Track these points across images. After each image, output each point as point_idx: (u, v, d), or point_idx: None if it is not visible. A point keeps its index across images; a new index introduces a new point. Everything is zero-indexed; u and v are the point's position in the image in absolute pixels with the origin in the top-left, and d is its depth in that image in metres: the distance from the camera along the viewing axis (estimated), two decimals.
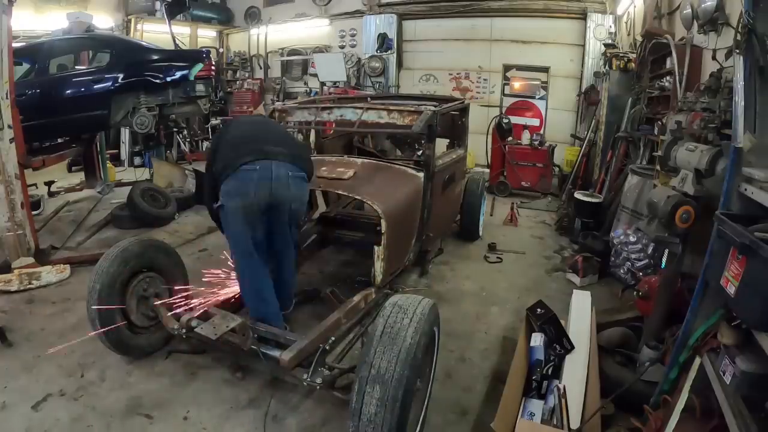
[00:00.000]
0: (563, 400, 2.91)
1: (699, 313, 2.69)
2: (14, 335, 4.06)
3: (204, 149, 12.01)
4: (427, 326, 2.66)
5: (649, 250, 4.87)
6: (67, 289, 5.01)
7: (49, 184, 8.49)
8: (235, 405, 3.34)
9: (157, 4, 12.42)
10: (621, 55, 7.76)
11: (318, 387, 2.95)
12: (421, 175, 4.74)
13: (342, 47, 13.08)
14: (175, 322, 3.43)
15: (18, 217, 5.07)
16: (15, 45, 5.43)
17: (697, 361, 2.63)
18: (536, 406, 3.10)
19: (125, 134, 11.36)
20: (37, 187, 8.06)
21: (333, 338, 3.35)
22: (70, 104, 6.78)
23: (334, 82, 12.27)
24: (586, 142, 8.71)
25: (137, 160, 11.32)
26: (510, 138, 9.81)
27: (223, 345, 3.26)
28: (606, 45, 9.20)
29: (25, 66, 6.94)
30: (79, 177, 9.04)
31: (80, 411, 3.22)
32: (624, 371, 3.43)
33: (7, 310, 4.57)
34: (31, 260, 5.17)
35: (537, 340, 3.48)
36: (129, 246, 3.68)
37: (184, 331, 3.35)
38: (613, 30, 10.08)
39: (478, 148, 10.05)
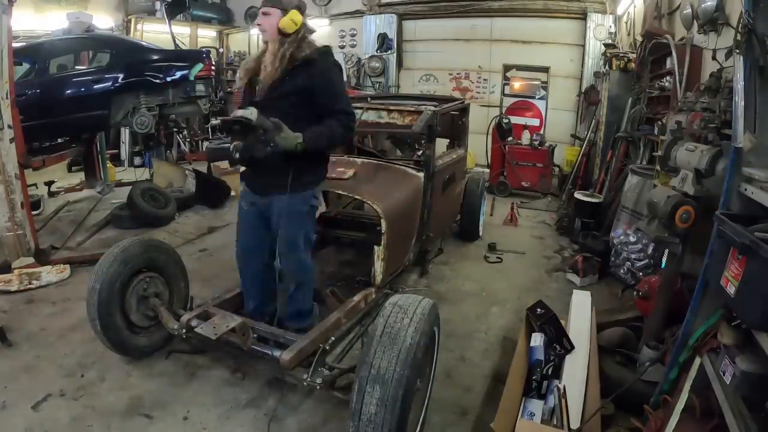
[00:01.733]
0: (563, 400, 2.91)
1: (699, 313, 2.69)
2: (14, 335, 4.05)
3: (204, 149, 11.89)
4: (427, 326, 2.66)
5: (649, 250, 4.87)
6: (67, 289, 5.01)
7: (49, 184, 8.48)
8: (235, 405, 3.34)
9: (157, 4, 12.43)
10: (621, 55, 7.77)
11: (318, 387, 2.94)
12: (421, 175, 4.74)
13: (342, 47, 13.06)
14: (175, 322, 3.43)
15: (18, 217, 5.07)
16: (15, 45, 5.43)
17: (697, 361, 2.63)
18: (536, 406, 3.10)
19: (125, 134, 11.33)
20: (37, 187, 8.05)
21: (333, 338, 3.36)
22: (70, 104, 6.78)
23: None
24: (586, 142, 8.71)
25: (137, 160, 11.30)
26: (510, 138, 9.83)
27: (223, 345, 3.26)
28: (606, 45, 9.21)
29: (25, 66, 6.93)
30: (79, 177, 9.03)
31: (80, 411, 3.22)
32: (624, 371, 3.43)
33: (7, 310, 4.56)
34: (31, 260, 5.17)
35: (537, 340, 3.48)
36: (129, 246, 3.68)
37: (184, 331, 3.36)
38: (613, 30, 10.09)
39: (478, 148, 10.05)
